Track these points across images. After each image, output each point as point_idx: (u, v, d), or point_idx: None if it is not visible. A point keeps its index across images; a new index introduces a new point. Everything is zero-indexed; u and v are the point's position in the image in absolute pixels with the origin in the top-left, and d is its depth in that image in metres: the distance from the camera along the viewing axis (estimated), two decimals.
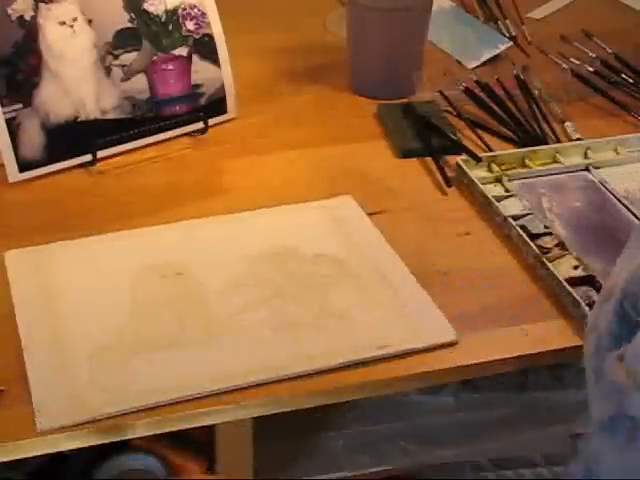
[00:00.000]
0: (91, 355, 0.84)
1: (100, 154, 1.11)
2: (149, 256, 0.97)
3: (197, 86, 1.17)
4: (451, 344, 0.87)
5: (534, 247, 0.97)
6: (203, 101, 1.18)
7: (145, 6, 1.13)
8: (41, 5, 1.07)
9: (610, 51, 1.36)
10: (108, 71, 1.12)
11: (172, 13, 1.15)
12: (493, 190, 1.08)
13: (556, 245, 0.99)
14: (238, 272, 0.95)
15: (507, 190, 1.08)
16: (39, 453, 0.79)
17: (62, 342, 0.86)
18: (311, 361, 0.84)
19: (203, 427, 0.84)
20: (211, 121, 1.18)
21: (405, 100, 1.23)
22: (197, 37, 1.16)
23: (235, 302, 0.91)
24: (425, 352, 0.87)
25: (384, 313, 0.90)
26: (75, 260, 0.96)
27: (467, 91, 1.25)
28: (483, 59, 1.36)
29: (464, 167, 1.10)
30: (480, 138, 1.18)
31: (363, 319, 0.89)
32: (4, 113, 1.05)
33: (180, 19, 1.15)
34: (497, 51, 1.37)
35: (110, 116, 1.12)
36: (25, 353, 0.84)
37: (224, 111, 1.19)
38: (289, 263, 0.96)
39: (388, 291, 0.93)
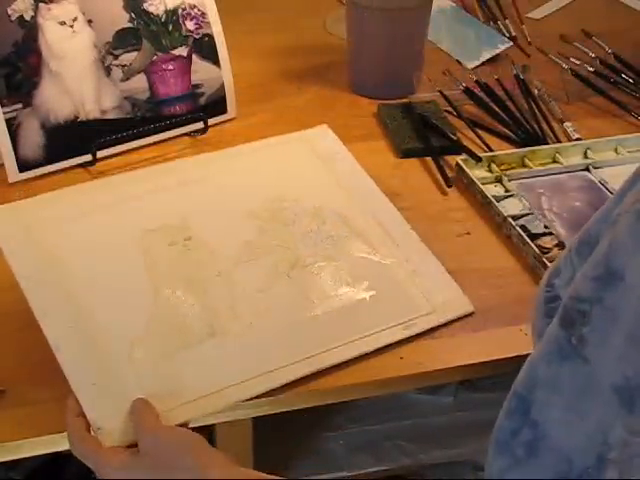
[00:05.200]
0: (131, 360, 0.79)
1: (100, 154, 1.11)
2: (148, 217, 0.90)
3: (197, 86, 1.17)
4: (469, 315, 0.90)
5: (534, 247, 0.97)
6: (203, 101, 1.18)
7: (145, 6, 1.13)
8: (41, 5, 1.07)
9: (610, 51, 1.36)
10: (108, 71, 1.12)
11: (172, 13, 1.15)
12: (493, 190, 1.08)
13: (556, 245, 0.99)
14: (247, 236, 0.91)
15: (507, 190, 1.08)
16: (39, 453, 0.79)
17: (94, 339, 0.80)
18: (349, 348, 0.84)
19: (203, 427, 0.84)
20: (211, 121, 1.18)
21: (405, 100, 1.23)
22: (197, 37, 1.16)
23: (255, 275, 0.88)
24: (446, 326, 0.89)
25: (400, 284, 0.91)
26: (66, 222, 0.88)
27: (467, 91, 1.26)
28: (483, 59, 1.36)
29: (464, 167, 1.10)
30: (480, 138, 1.18)
31: (383, 296, 0.89)
32: (4, 113, 1.05)
33: (180, 19, 1.15)
34: (497, 51, 1.37)
35: (110, 116, 1.12)
36: (58, 355, 0.78)
37: (224, 111, 1.19)
38: (296, 223, 0.94)
39: (396, 252, 0.94)
